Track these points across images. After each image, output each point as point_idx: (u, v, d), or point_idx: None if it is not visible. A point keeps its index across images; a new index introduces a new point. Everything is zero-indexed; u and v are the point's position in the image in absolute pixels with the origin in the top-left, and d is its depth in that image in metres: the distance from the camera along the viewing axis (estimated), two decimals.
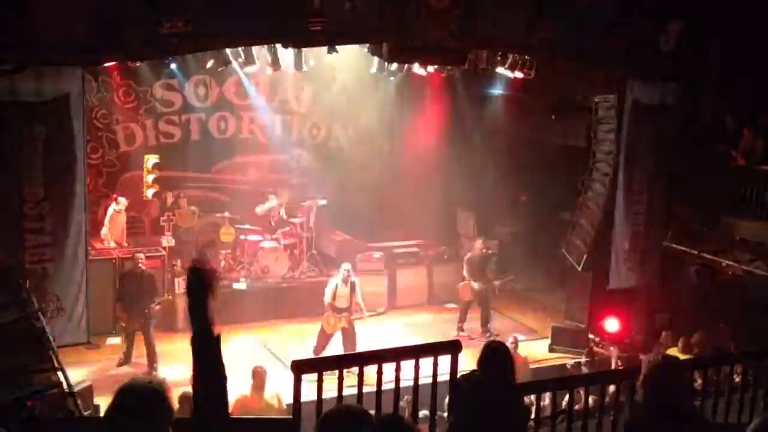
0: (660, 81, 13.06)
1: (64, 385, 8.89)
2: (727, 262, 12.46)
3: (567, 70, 13.37)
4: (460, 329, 13.45)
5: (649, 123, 13.22)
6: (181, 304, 13.10)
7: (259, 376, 9.54)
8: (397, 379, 6.09)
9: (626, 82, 13.10)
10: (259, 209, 14.97)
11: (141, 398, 2.96)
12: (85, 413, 8.71)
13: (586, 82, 13.82)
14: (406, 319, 14.35)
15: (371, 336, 12.49)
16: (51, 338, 9.46)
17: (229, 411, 3.31)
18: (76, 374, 9.98)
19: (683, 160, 13.22)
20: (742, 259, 12.24)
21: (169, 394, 3.01)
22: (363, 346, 11.66)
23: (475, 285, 13.55)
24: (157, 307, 11.81)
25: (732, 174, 12.75)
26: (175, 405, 3.12)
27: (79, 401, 8.88)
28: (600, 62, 12.60)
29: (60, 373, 8.86)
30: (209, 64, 12.86)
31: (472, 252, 14.02)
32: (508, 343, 8.41)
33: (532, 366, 11.95)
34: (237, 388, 10.15)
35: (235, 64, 12.70)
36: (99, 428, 2.97)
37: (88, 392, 9.53)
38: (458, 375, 6.20)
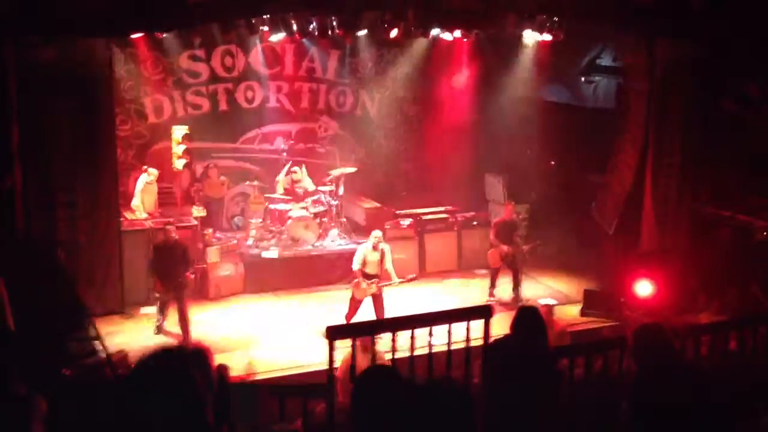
0: (691, 42, 12.81)
1: (101, 354, 9.04)
2: (759, 223, 12.30)
3: (596, 32, 13.16)
4: (491, 294, 13.42)
5: (680, 84, 13.00)
6: (213, 274, 13.24)
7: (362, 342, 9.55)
8: (430, 345, 6.11)
9: (656, 44, 12.86)
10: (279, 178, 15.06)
11: (168, 365, 2.85)
12: None
13: (616, 44, 13.59)
14: (436, 285, 14.34)
15: (402, 302, 12.52)
16: (86, 308, 9.61)
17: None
18: (112, 343, 10.11)
19: (715, 121, 12.99)
20: None
21: (210, 360, 2.98)
22: (393, 312, 11.69)
23: (503, 250, 13.39)
24: (192, 276, 11.91)
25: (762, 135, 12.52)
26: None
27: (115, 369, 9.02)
28: (629, 23, 12.37)
29: (96, 342, 9.00)
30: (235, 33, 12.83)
31: (501, 216, 13.94)
32: (543, 311, 8.36)
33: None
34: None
35: (260, 34, 12.67)
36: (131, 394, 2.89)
37: (124, 361, 9.67)
38: (491, 340, 6.21)
